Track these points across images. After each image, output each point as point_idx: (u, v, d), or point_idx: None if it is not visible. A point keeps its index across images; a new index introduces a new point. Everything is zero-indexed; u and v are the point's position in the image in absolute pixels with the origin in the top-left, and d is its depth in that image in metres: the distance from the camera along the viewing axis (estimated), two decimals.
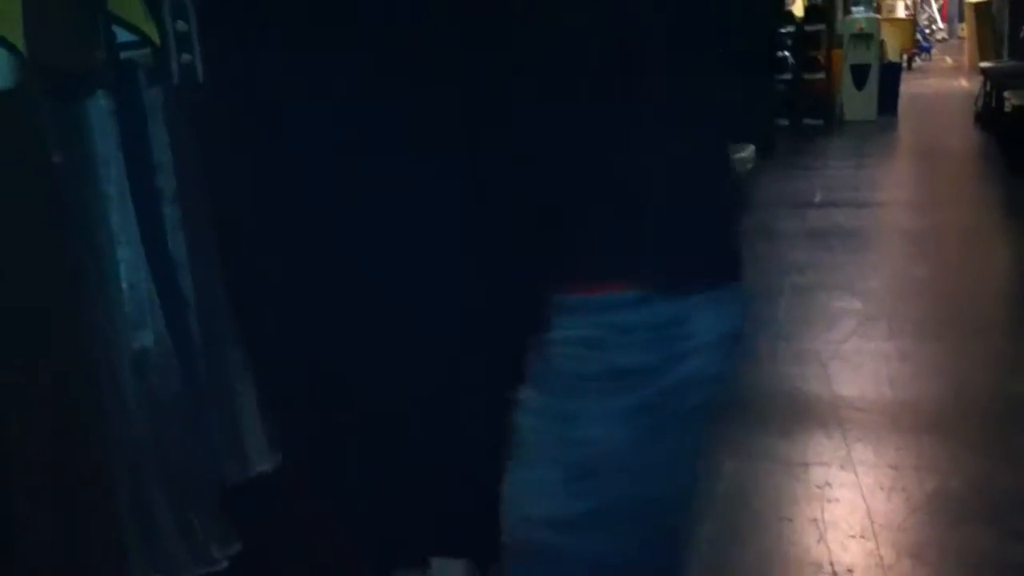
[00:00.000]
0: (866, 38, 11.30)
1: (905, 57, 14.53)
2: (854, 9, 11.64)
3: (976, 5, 14.89)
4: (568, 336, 1.18)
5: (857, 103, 11.28)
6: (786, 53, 10.65)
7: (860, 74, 11.33)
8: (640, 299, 1.17)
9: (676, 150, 1.19)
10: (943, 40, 18.22)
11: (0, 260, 1.14)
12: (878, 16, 11.98)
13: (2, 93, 1.05)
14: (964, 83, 13.05)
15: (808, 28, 11.20)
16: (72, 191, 1.18)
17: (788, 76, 10.67)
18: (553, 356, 1.19)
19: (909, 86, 12.51)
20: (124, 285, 1.22)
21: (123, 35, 1.26)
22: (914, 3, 18.39)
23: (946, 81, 13.33)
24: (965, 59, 15.23)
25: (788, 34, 10.73)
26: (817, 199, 7.38)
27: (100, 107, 1.15)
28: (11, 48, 1.04)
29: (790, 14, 11.05)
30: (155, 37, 1.25)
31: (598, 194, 1.17)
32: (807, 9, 11.54)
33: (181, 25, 1.21)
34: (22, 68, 1.05)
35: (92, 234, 1.19)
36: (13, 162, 1.15)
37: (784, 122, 10.40)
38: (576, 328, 1.18)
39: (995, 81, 9.43)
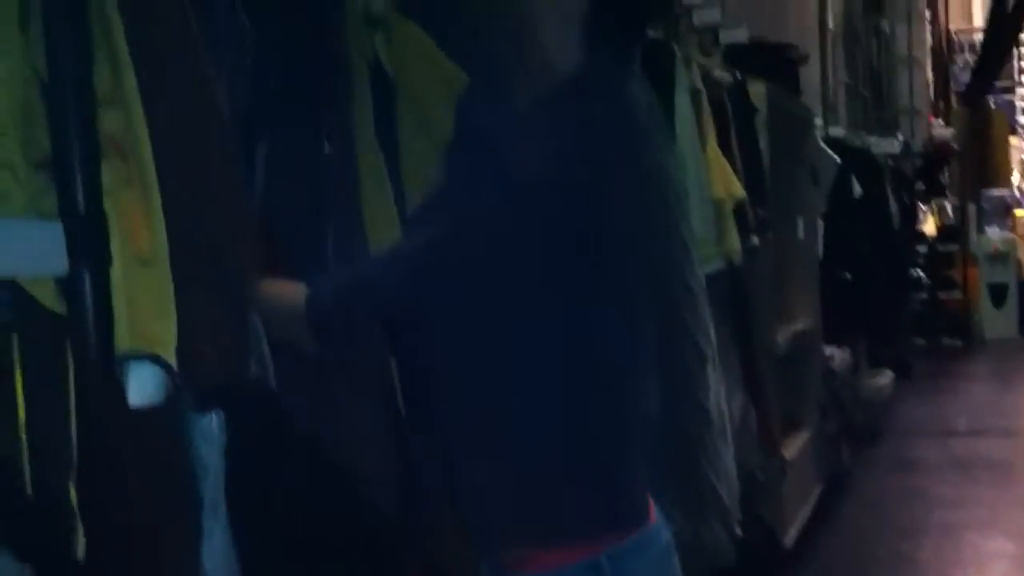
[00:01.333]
0: (1003, 257, 11.12)
1: None
2: (988, 229, 11.51)
3: None
4: None
5: (996, 322, 11.00)
6: (920, 272, 10.52)
7: (998, 293, 11.10)
8: (590, 566, 1.33)
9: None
10: None
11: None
12: (1013, 235, 11.82)
13: (154, 409, 1.10)
14: None
15: (941, 247, 11.09)
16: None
17: (923, 295, 10.52)
18: None
19: None
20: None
21: None
22: None
23: None
24: None
25: (921, 253, 10.64)
26: (960, 426, 7.12)
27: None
28: (164, 365, 1.10)
29: (922, 234, 10.99)
30: None
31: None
32: (939, 229, 11.46)
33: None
34: (173, 383, 1.11)
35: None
36: (160, 463, 1.20)
37: (921, 342, 10.18)
38: None
39: None
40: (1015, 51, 11.90)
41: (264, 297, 1.31)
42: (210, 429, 1.28)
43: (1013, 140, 14.63)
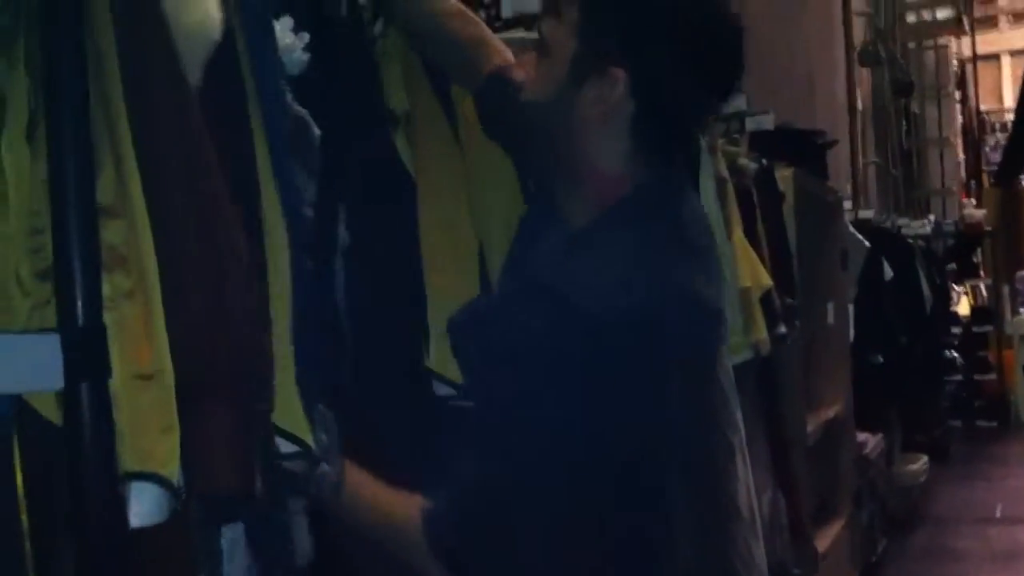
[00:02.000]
0: None
1: None
2: (1022, 310, 11.37)
3: None
4: None
5: None
6: (954, 354, 10.39)
7: None
8: None
9: None
10: None
11: None
12: None
13: (156, 527, 1.06)
14: None
15: (975, 329, 10.95)
16: None
17: (958, 377, 10.36)
18: None
19: None
20: None
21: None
22: None
23: None
24: None
25: (955, 335, 10.51)
26: (998, 513, 6.94)
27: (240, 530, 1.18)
28: (166, 484, 1.06)
29: (955, 314, 10.87)
30: (312, 445, 1.27)
31: None
32: (973, 309, 11.33)
33: (324, 439, 1.23)
34: (176, 501, 1.07)
35: None
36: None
37: (957, 423, 10.01)
38: None
39: None
40: None
41: (364, 503, 1.27)
42: (233, 546, 1.24)
43: None
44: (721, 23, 1.42)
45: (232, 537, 1.23)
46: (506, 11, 2.15)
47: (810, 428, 4.29)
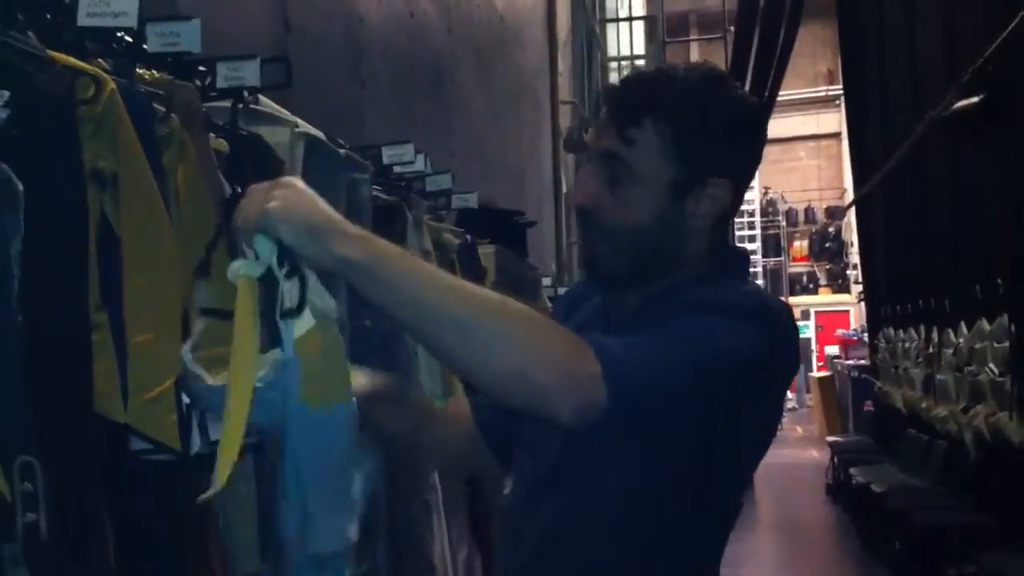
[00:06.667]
0: None
1: None
2: None
3: (820, 379, 15.82)
4: None
5: None
6: None
7: None
8: None
9: None
10: (792, 409, 19.11)
11: None
12: None
13: None
14: (815, 453, 13.58)
15: None
16: None
17: None
18: None
19: None
20: None
21: None
22: None
23: (797, 452, 13.87)
24: (815, 428, 15.97)
25: None
26: None
27: None
28: None
29: None
30: (8, 496, 1.30)
31: None
32: None
33: (27, 487, 1.27)
34: None
35: None
36: None
37: None
38: None
39: (841, 456, 9.85)
40: None
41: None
42: None
43: None
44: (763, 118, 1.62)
45: None
46: (220, 83, 2.23)
47: (508, 490, 4.48)
